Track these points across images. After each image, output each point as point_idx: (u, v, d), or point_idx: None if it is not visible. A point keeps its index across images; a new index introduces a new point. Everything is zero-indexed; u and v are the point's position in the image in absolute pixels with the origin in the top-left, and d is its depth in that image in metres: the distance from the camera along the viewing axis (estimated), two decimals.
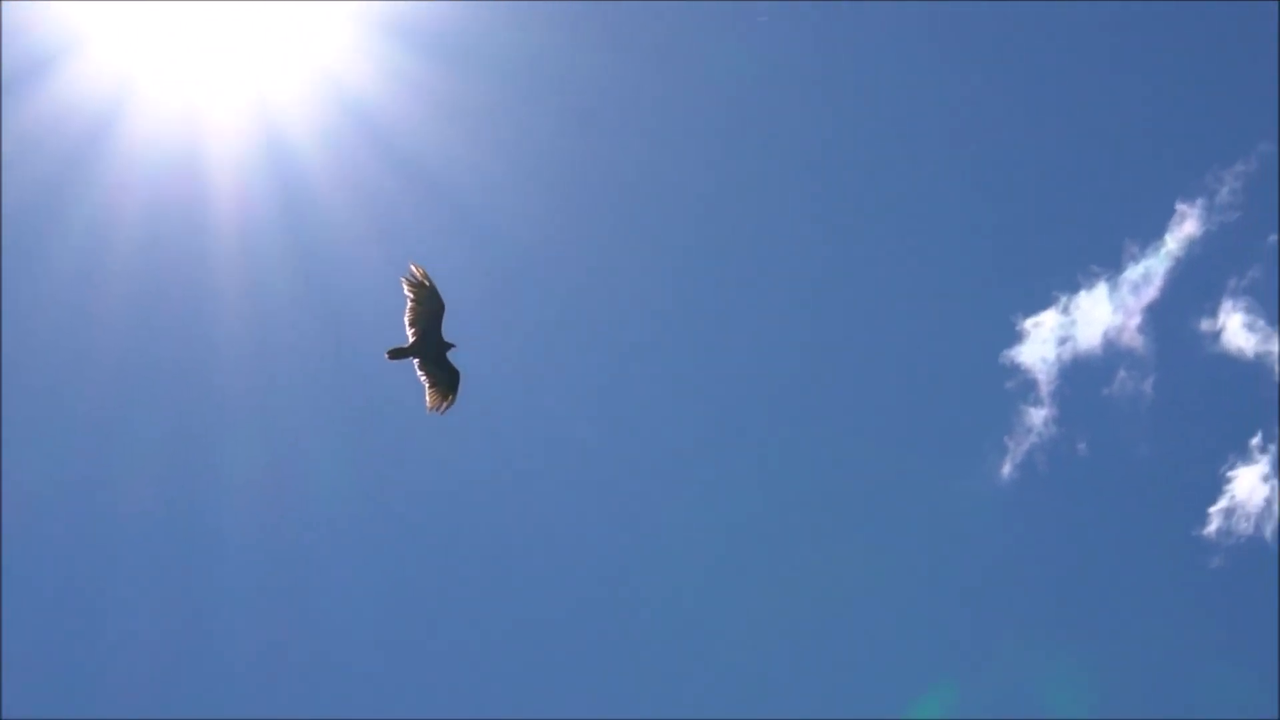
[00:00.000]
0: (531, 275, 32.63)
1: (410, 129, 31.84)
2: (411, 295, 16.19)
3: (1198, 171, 33.01)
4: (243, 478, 30.56)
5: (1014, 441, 32.31)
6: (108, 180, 31.10)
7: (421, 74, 32.03)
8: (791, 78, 34.64)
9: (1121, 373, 32.69)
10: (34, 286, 30.39)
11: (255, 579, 30.74)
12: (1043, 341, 32.80)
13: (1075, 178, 35.42)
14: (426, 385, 16.42)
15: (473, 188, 31.87)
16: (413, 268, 16.12)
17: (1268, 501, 31.21)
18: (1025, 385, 32.68)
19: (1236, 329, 32.31)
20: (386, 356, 16.41)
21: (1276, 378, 31.99)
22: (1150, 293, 32.77)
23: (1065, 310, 32.94)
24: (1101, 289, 32.95)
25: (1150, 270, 32.76)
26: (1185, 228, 32.71)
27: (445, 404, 16.47)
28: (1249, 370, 32.30)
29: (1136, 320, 32.76)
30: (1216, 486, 31.73)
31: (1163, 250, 32.80)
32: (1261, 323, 32.18)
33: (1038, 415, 32.43)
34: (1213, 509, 31.47)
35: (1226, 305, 32.48)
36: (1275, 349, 32.00)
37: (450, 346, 16.27)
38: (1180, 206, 32.79)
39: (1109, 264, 33.02)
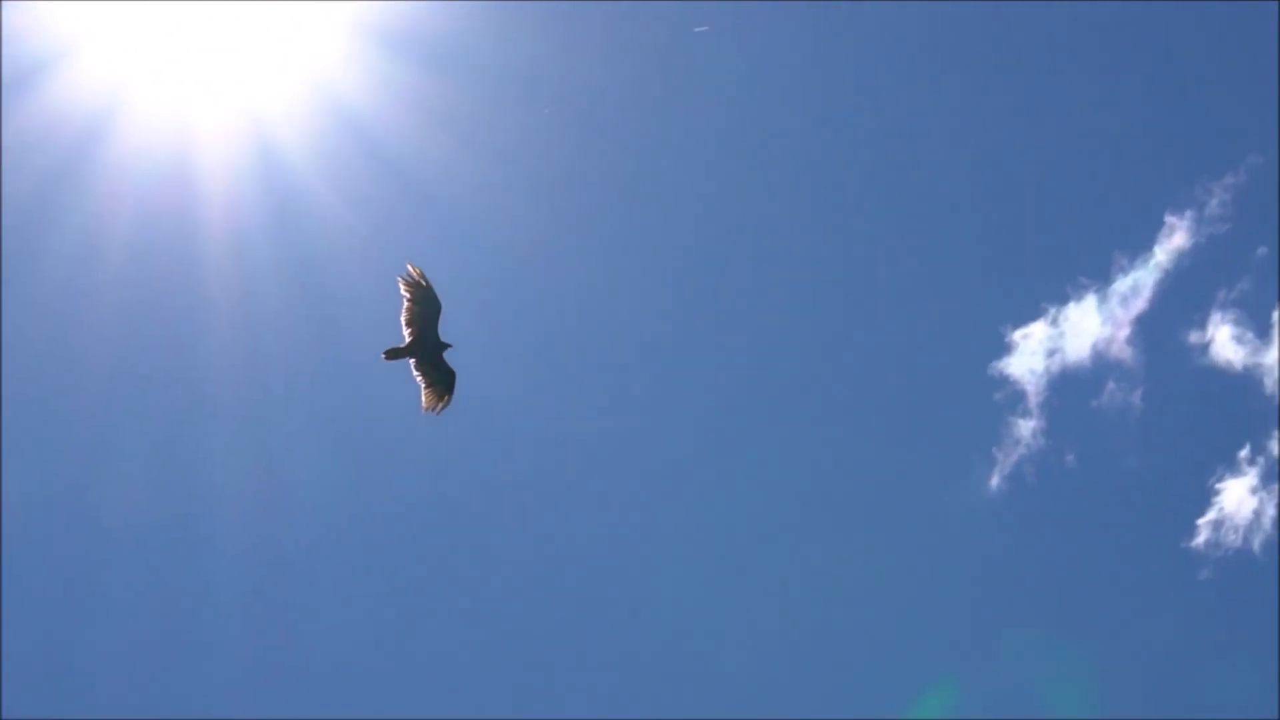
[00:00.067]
0: (523, 281, 32.63)
1: (401, 135, 31.84)
2: (408, 295, 16.19)
3: (1187, 183, 33.14)
4: (237, 481, 30.53)
5: (1002, 453, 32.37)
6: (99, 188, 31.08)
7: (413, 81, 32.05)
8: (781, 89, 34.73)
9: (1110, 384, 32.77)
10: (30, 290, 30.37)
11: (253, 580, 30.77)
12: (1031, 353, 32.87)
13: (1064, 189, 35.52)
14: (422, 386, 16.41)
15: (465, 194, 31.89)
16: (409, 267, 16.12)
17: (1256, 513, 31.30)
18: (1014, 397, 32.75)
19: (1225, 341, 32.41)
20: (383, 357, 16.40)
21: (1265, 390, 32.10)
22: (1139, 305, 32.86)
23: (1054, 322, 33.02)
24: (1090, 301, 33.04)
25: (1139, 282, 32.85)
26: (1174, 240, 32.82)
27: (441, 405, 16.46)
28: (1238, 382, 32.40)
29: (1125, 332, 32.85)
30: (1205, 498, 31.81)
31: (1152, 262, 32.90)
32: (1250, 335, 32.29)
33: (1026, 427, 32.49)
34: (1201, 521, 31.54)
35: (1215, 317, 32.58)
36: (1264, 361, 32.11)
37: (447, 347, 16.26)
38: (1169, 218, 32.90)
39: (1098, 276, 33.12)
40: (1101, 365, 32.82)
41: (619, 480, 33.22)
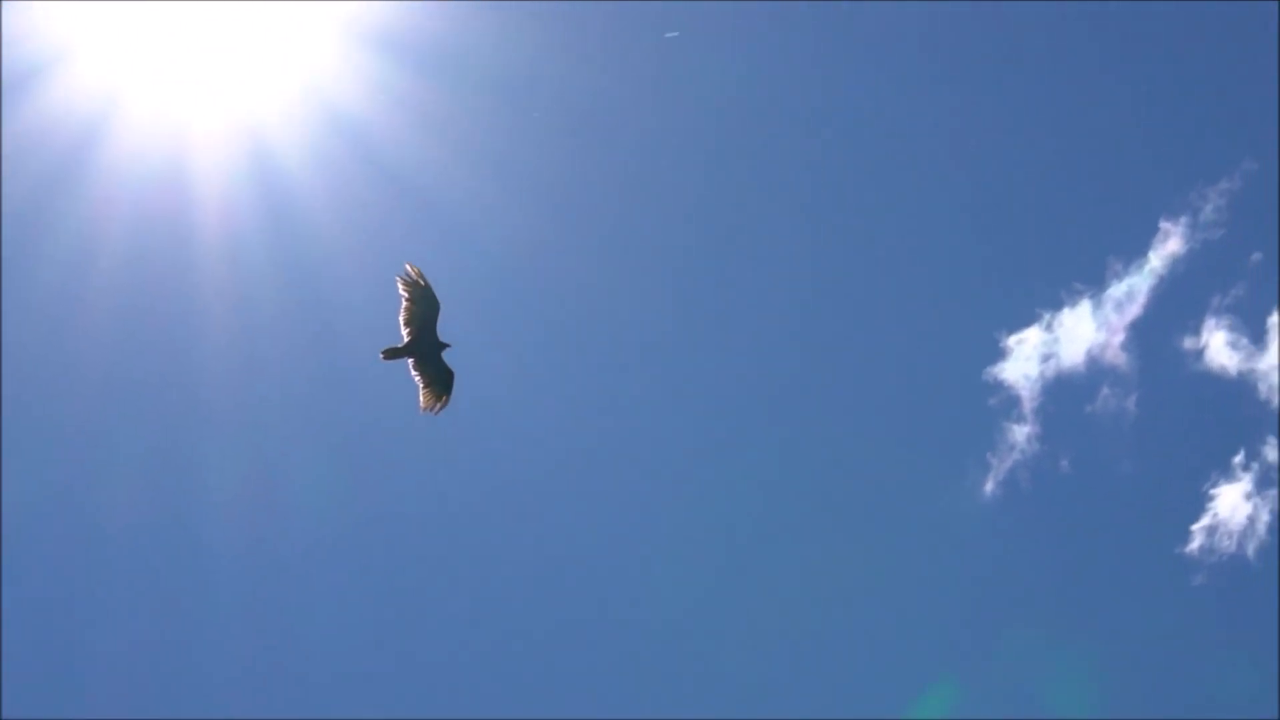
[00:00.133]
0: (519, 284, 32.63)
1: (396, 140, 31.82)
2: (406, 295, 16.15)
3: (1182, 189, 33.18)
4: (235, 483, 30.50)
5: (997, 458, 32.36)
6: (94, 192, 31.05)
7: (407, 86, 32.03)
8: (776, 96, 34.75)
9: (1105, 390, 32.78)
10: (28, 292, 30.36)
11: (253, 580, 30.77)
12: (1026, 358, 32.88)
13: (1059, 195, 35.56)
14: (420, 385, 16.37)
15: (460, 197, 31.85)
16: (408, 267, 16.09)
17: (1250, 519, 31.31)
18: (1008, 402, 32.75)
19: (1220, 347, 32.43)
20: (381, 356, 16.36)
21: (1260, 395, 32.12)
22: (1134, 310, 32.88)
23: (1049, 327, 33.02)
24: (1085, 306, 33.05)
25: (1134, 288, 32.87)
26: (1169, 245, 32.84)
27: (439, 405, 16.42)
28: (1232, 388, 32.41)
29: (1120, 338, 32.86)
30: (1199, 504, 31.81)
31: (1146, 268, 32.92)
32: (1244, 340, 32.31)
33: (1021, 432, 32.49)
34: (1195, 527, 31.54)
35: (1210, 323, 32.60)
36: (1258, 367, 32.13)
37: (445, 346, 16.22)
38: (1164, 224, 32.93)
39: (1093, 281, 33.14)
40: (1096, 371, 32.86)
41: (618, 481, 33.23)
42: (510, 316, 32.17)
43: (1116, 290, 32.89)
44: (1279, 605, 30.20)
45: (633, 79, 33.34)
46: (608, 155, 34.14)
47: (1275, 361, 31.95)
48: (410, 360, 16.29)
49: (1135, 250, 33.03)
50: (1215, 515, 31.48)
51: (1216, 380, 32.46)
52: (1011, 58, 35.46)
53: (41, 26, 30.66)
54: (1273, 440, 31.70)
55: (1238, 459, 31.88)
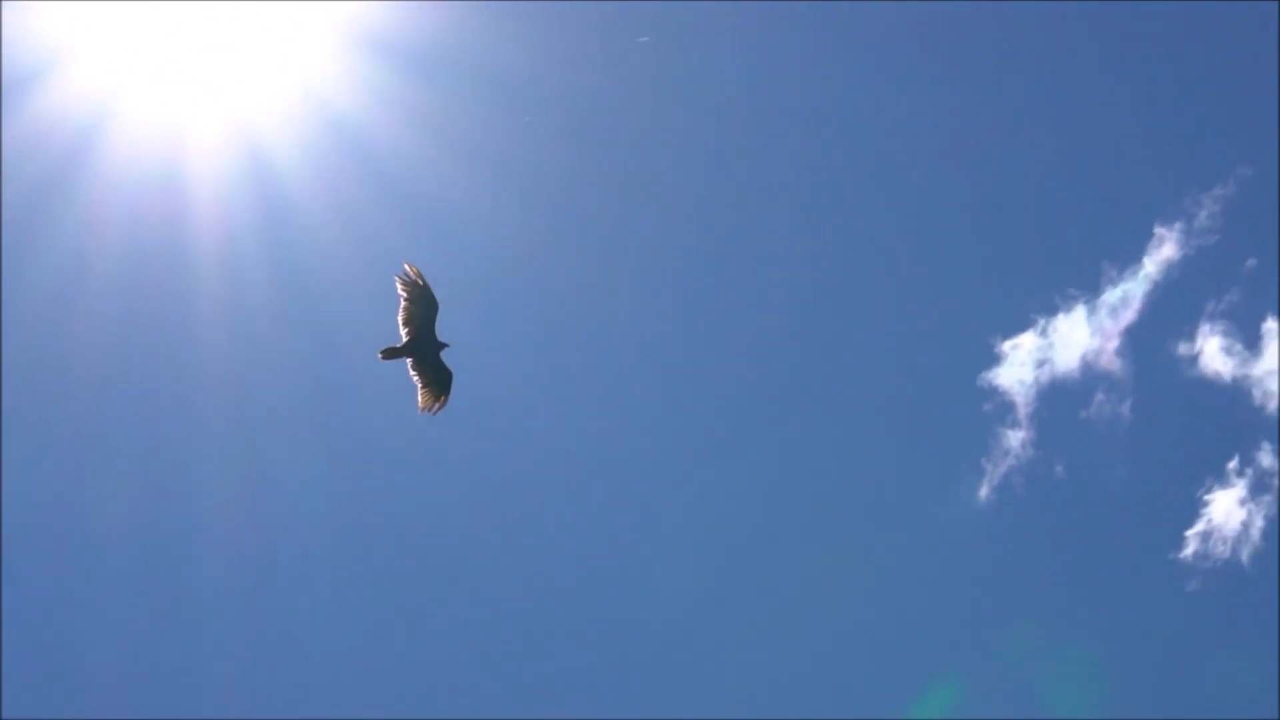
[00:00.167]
0: (515, 286, 32.60)
1: (391, 142, 31.82)
2: (405, 295, 16.10)
3: (1176, 195, 33.21)
4: (233, 483, 30.50)
5: (991, 464, 32.35)
6: (89, 195, 31.03)
7: (403, 89, 32.02)
8: (772, 102, 34.76)
9: (1099, 395, 32.78)
10: (27, 293, 30.33)
11: (252, 581, 30.77)
12: (1021, 364, 32.88)
13: (1054, 200, 35.58)
14: (419, 385, 16.31)
15: (456, 201, 31.83)
16: (406, 267, 16.04)
17: (1245, 525, 31.32)
18: (1003, 407, 32.75)
19: (1214, 352, 32.45)
20: (379, 356, 16.30)
21: (1254, 401, 32.14)
22: (1128, 316, 32.89)
23: (1043, 333, 33.04)
24: (1080, 312, 33.06)
25: (1128, 293, 32.89)
26: (1164, 251, 32.87)
27: (437, 405, 16.36)
28: (1226, 394, 32.43)
29: (1114, 343, 32.87)
30: (1194, 510, 31.82)
31: (1141, 273, 32.94)
32: (1239, 346, 32.33)
33: (1015, 437, 32.49)
34: (1190, 532, 31.55)
35: (1204, 329, 32.62)
36: (1252, 373, 32.15)
37: (444, 346, 16.17)
38: (1159, 230, 32.96)
39: (1087, 287, 33.15)
40: (1091, 376, 32.87)
41: (615, 483, 33.23)
42: (506, 318, 32.16)
43: (1111, 296, 32.93)
44: (1274, 610, 30.25)
45: (628, 80, 33.36)
46: (603, 156, 34.17)
47: (1269, 367, 32.00)
48: (409, 360, 16.24)
49: (1130, 256, 33.09)
50: (1210, 521, 31.52)
51: (1211, 386, 32.50)
52: (1008, 64, 35.51)
53: (39, 29, 30.64)
54: (1267, 446, 31.75)
55: (1232, 465, 31.92)
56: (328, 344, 30.68)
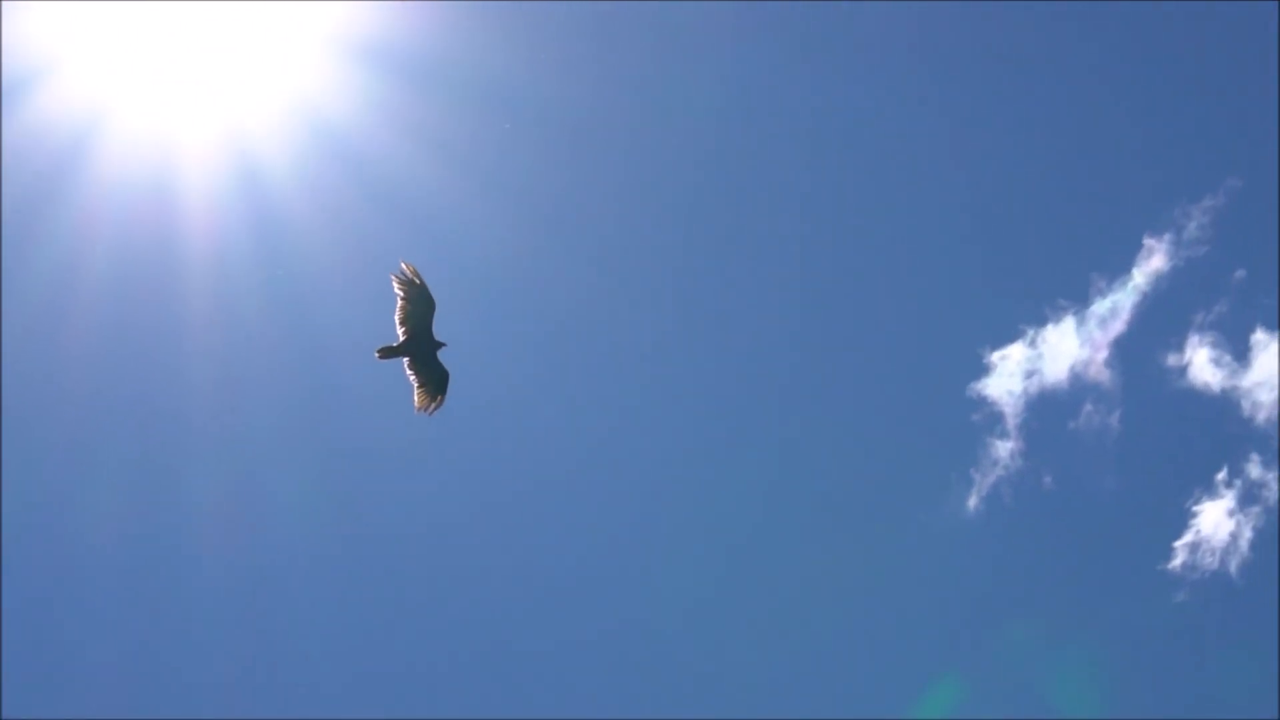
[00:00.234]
0: (507, 290, 32.60)
1: (383, 148, 31.81)
2: (402, 293, 16.06)
3: (1166, 206, 33.29)
4: (229, 486, 30.50)
5: (980, 474, 32.36)
6: (83, 201, 31.00)
7: (395, 95, 32.03)
8: (767, 108, 34.82)
9: (1088, 406, 32.81)
10: (25, 296, 30.30)
11: (250, 581, 30.73)
12: (1010, 374, 32.90)
13: (1043, 211, 35.66)
14: (415, 385, 16.28)
15: (448, 207, 31.82)
16: (403, 265, 16.00)
17: (1233, 536, 31.36)
18: (992, 418, 32.76)
19: (1203, 364, 32.50)
20: (376, 356, 16.26)
21: (1243, 413, 32.20)
22: (1117, 327, 32.94)
23: (1032, 343, 33.06)
24: (1069, 322, 33.10)
25: (1117, 304, 32.94)
26: (1153, 262, 32.93)
27: (434, 404, 16.33)
28: (1215, 405, 32.48)
29: (1103, 354, 32.91)
30: (1182, 521, 31.84)
31: (1130, 284, 32.99)
32: (1228, 358, 32.39)
33: (1004, 448, 32.50)
34: (1178, 543, 31.57)
35: (1193, 340, 32.68)
36: (1241, 384, 32.21)
37: (440, 346, 16.13)
38: (1148, 241, 33.03)
39: (1076, 298, 33.20)
40: (1079, 387, 32.90)
41: (613, 484, 33.21)
42: (500, 321, 32.13)
43: (1100, 307, 32.98)
44: (1262, 622, 30.29)
45: (621, 85, 33.39)
46: (596, 160, 34.17)
47: (1258, 379, 32.08)
48: (405, 360, 16.20)
49: (1119, 267, 33.15)
50: (1198, 532, 31.54)
51: (1200, 397, 32.56)
52: (999, 75, 35.61)
53: (35, 32, 30.61)
54: (1255, 457, 31.81)
55: (1221, 476, 31.96)
56: (320, 344, 30.68)
